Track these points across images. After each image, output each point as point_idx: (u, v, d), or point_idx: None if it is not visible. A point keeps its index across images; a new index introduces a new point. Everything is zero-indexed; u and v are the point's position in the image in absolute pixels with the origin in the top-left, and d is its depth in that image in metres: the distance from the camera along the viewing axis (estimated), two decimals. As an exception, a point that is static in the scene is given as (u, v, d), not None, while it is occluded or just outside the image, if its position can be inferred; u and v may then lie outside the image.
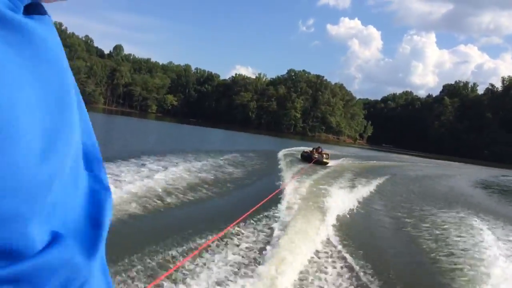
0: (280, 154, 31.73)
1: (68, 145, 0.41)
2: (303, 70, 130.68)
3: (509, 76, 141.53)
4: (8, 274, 0.33)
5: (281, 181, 15.35)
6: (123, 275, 5.52)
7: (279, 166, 21.92)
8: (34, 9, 0.42)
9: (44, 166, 0.37)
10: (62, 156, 0.39)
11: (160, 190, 10.86)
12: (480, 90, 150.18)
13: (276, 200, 11.22)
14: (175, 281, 5.43)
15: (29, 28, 0.38)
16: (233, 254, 6.92)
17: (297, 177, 16.84)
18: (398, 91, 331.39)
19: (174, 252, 6.48)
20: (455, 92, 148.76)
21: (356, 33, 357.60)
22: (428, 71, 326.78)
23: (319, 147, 29.95)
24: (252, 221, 8.88)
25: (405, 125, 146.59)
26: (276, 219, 9.52)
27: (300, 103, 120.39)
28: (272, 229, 8.68)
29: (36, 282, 0.36)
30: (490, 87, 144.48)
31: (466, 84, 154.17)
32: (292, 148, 38.61)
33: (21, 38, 0.37)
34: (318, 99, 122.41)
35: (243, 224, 8.46)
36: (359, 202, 13.93)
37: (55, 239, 0.39)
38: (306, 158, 27.44)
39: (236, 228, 8.08)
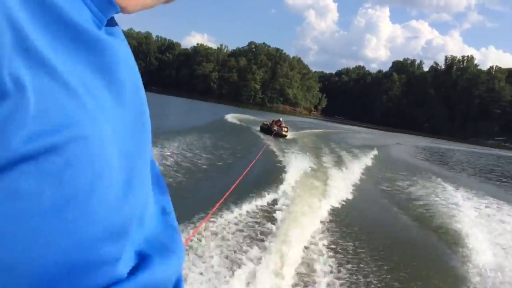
0: (234, 119, 36.01)
1: (147, 172, 0.41)
2: (264, 43, 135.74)
3: (451, 55, 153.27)
4: None
5: (250, 157, 14.31)
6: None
7: (246, 140, 22.02)
8: (111, 21, 0.42)
9: (131, 198, 0.37)
10: (146, 184, 0.40)
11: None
12: (426, 67, 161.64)
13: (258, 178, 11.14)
14: None
15: (113, 49, 0.37)
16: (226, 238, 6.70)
17: (263, 150, 16.54)
18: (352, 64, 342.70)
19: None
20: (403, 68, 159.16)
21: (312, 4, 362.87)
22: (381, 45, 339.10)
23: (278, 119, 29.74)
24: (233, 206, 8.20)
25: (356, 98, 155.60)
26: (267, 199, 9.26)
27: (260, 75, 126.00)
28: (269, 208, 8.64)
29: None
30: (434, 65, 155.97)
31: (413, 61, 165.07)
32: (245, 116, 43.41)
33: (106, 59, 0.36)
34: (277, 72, 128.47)
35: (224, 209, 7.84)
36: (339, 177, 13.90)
37: (142, 261, 0.40)
38: (266, 130, 27.66)
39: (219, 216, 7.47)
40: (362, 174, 16.01)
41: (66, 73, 0.33)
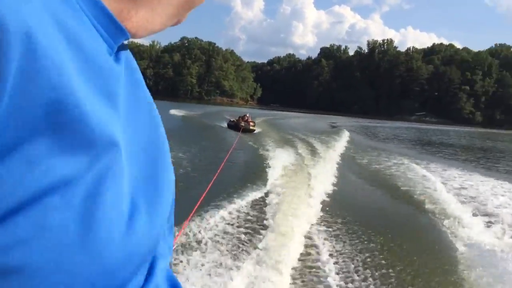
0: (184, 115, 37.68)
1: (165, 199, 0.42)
2: (196, 37, 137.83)
3: (373, 39, 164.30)
4: None
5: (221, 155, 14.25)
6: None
7: (211, 137, 22.50)
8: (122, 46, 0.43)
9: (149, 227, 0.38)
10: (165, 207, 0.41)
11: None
12: (351, 52, 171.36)
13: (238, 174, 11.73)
14: None
15: (120, 75, 0.38)
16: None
17: (234, 147, 16.59)
18: (281, 51, 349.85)
19: None
20: (331, 54, 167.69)
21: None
22: (308, 31, 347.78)
23: (245, 115, 30.28)
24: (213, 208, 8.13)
25: (289, 85, 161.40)
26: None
27: (195, 69, 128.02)
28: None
29: None
30: (358, 49, 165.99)
31: (339, 47, 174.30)
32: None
33: (112, 86, 0.37)
34: (212, 65, 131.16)
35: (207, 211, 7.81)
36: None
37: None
38: (233, 127, 28.09)
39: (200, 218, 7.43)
40: (336, 157, 17.74)
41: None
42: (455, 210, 10.04)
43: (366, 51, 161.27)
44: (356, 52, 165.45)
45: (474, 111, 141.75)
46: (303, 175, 12.40)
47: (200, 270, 5.42)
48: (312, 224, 7.88)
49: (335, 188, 11.42)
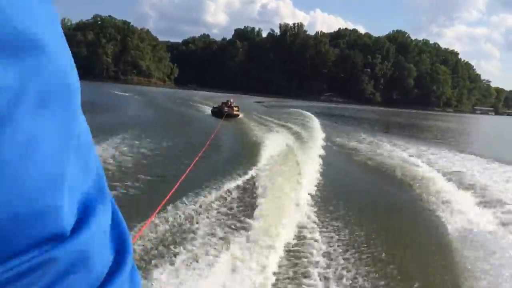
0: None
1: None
2: (109, 16, 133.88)
3: (285, 23, 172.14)
4: (54, 255, 0.34)
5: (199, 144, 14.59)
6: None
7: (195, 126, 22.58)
8: None
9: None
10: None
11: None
12: (264, 34, 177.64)
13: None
14: None
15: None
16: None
17: (215, 134, 16.66)
18: (194, 30, 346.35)
19: None
20: (245, 36, 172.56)
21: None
22: (220, 10, 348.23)
23: (227, 100, 29.79)
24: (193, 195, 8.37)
25: (206, 65, 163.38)
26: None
27: (111, 48, 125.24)
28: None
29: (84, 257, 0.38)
30: (271, 32, 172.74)
31: (253, 29, 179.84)
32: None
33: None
34: (128, 45, 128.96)
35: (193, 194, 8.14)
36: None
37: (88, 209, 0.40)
38: (217, 113, 27.33)
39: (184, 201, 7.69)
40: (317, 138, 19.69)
41: None
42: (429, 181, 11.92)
43: (279, 34, 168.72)
44: (269, 34, 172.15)
45: (374, 92, 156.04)
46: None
47: (187, 257, 5.53)
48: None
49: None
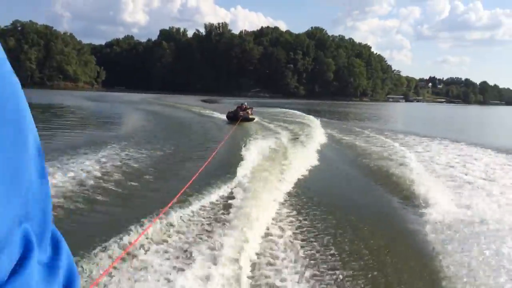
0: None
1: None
2: (30, 21, 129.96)
3: (210, 23, 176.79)
4: None
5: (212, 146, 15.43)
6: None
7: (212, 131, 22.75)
8: None
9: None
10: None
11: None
12: (190, 34, 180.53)
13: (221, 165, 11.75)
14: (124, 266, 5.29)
15: None
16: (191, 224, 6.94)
17: (228, 138, 16.84)
18: (112, 30, 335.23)
19: (112, 248, 5.84)
20: (171, 36, 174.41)
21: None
22: (138, 9, 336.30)
23: (242, 104, 28.82)
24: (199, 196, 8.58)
25: (133, 68, 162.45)
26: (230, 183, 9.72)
27: (34, 54, 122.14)
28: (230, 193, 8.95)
29: None
30: (197, 32, 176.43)
31: (178, 29, 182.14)
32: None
33: None
34: (52, 50, 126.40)
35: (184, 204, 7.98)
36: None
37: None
38: (233, 118, 26.41)
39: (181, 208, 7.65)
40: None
41: None
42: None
43: (204, 33, 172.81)
44: (195, 34, 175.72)
45: (298, 86, 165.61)
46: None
47: (166, 253, 5.66)
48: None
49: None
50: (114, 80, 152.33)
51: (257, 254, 6.00)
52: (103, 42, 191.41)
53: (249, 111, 27.79)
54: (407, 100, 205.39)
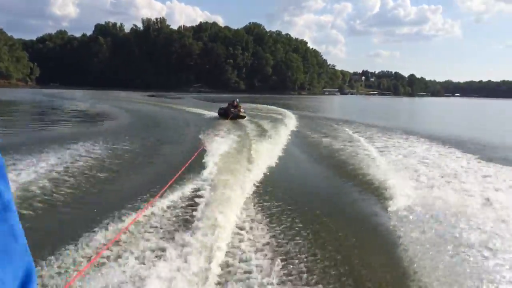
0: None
1: None
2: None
3: (147, 18, 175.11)
4: None
5: (199, 142, 15.39)
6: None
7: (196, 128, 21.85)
8: None
9: None
10: None
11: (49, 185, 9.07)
12: (127, 29, 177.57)
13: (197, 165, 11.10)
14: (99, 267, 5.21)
15: None
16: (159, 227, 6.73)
17: (216, 136, 17.03)
18: (41, 24, 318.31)
19: (94, 241, 5.97)
20: (107, 31, 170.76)
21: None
22: (68, 1, 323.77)
23: (233, 101, 28.67)
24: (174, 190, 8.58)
25: (68, 63, 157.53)
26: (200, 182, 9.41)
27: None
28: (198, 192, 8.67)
29: None
30: (134, 27, 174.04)
31: (115, 24, 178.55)
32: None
33: None
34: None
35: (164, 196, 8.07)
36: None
37: None
38: (223, 114, 26.96)
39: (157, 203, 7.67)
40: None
41: None
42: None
43: (142, 29, 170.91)
44: (132, 29, 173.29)
45: (239, 81, 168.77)
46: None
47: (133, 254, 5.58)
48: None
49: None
50: (48, 77, 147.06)
51: (225, 251, 5.96)
52: (32, 37, 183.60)
53: (240, 108, 27.61)
54: (342, 93, 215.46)
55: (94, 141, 15.46)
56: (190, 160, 11.31)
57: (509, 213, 8.16)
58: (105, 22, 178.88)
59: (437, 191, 9.71)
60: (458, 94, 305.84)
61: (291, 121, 27.95)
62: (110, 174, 10.86)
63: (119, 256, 5.56)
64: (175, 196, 8.34)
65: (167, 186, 8.55)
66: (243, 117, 26.96)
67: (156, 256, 5.56)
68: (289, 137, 19.97)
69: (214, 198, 8.26)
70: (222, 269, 5.45)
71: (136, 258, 5.53)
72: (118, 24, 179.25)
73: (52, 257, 5.42)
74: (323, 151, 16.39)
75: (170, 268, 5.22)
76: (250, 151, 13.98)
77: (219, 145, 14.94)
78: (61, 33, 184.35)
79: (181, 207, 7.85)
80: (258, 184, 10.00)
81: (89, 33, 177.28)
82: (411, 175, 11.42)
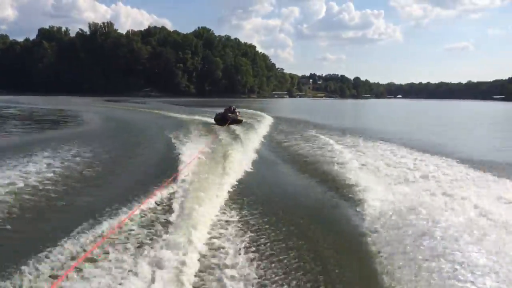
0: None
1: None
2: None
3: (94, 22, 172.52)
4: None
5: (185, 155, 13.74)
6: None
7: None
8: None
9: None
10: None
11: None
12: (73, 34, 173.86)
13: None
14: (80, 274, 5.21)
15: None
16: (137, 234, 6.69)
17: (211, 143, 16.66)
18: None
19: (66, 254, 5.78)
20: (52, 36, 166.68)
21: None
22: (6, 3, 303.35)
23: (230, 106, 28.25)
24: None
25: (10, 69, 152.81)
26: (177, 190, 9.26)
27: None
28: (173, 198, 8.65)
29: None
30: (80, 31, 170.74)
31: (59, 28, 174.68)
32: None
33: None
34: None
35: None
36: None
37: None
38: (221, 120, 26.03)
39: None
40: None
41: None
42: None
43: (88, 33, 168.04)
44: (78, 34, 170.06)
45: (189, 85, 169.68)
46: None
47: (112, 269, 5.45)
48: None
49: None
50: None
51: (201, 254, 6.04)
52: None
53: (237, 113, 27.38)
54: (291, 96, 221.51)
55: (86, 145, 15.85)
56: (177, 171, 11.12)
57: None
58: (49, 26, 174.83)
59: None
60: (400, 96, 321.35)
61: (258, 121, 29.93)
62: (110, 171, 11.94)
63: (90, 268, 5.45)
64: (152, 204, 8.30)
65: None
66: (241, 121, 26.66)
67: (130, 271, 5.40)
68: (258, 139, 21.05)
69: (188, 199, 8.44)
70: (197, 273, 5.54)
71: (108, 271, 5.41)
72: (63, 29, 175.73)
73: (25, 267, 5.36)
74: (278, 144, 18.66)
75: (144, 275, 5.28)
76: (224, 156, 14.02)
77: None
78: (2, 38, 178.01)
79: (153, 212, 7.90)
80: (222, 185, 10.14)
81: (31, 37, 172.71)
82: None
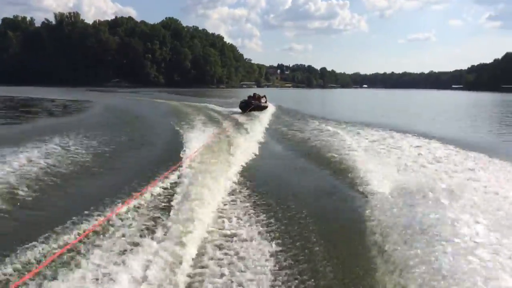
0: None
1: None
2: None
3: (60, 12, 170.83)
4: None
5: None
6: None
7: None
8: None
9: None
10: None
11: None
12: (38, 24, 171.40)
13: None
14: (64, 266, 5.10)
15: None
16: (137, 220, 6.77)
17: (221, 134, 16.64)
18: None
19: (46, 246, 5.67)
20: (16, 25, 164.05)
21: None
22: None
23: (255, 93, 28.87)
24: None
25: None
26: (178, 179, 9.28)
27: None
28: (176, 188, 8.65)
29: None
30: (46, 21, 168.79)
31: (24, 18, 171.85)
32: None
33: None
34: None
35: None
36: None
37: None
38: (244, 107, 26.35)
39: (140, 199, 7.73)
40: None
41: None
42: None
43: (54, 23, 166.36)
44: (44, 24, 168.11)
45: (158, 75, 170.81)
46: None
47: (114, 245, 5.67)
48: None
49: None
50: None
51: (199, 248, 5.95)
52: None
53: (263, 100, 28.01)
54: (259, 86, 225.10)
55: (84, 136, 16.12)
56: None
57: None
58: (14, 16, 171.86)
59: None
60: (366, 86, 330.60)
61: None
62: (107, 162, 11.97)
63: (78, 258, 5.34)
64: (147, 192, 8.28)
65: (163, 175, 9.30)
66: (266, 107, 27.52)
67: (118, 263, 5.22)
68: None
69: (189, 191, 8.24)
70: (193, 267, 5.43)
71: (98, 262, 5.25)
72: (28, 19, 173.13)
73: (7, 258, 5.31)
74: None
75: (140, 266, 5.16)
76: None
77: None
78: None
79: (154, 202, 7.93)
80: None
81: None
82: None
